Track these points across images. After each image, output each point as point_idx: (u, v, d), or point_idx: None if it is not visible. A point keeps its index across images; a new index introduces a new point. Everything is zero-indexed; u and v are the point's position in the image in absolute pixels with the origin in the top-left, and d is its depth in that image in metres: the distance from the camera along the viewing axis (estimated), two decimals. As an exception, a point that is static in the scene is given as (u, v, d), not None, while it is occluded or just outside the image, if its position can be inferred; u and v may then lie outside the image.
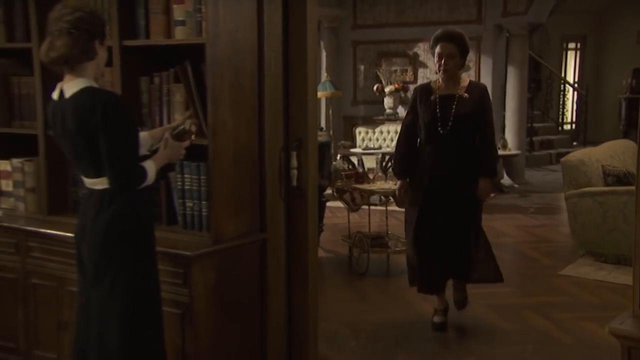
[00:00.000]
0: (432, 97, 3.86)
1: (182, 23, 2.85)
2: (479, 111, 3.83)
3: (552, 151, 11.43)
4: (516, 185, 9.24)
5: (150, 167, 2.51)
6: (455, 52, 3.84)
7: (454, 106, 3.81)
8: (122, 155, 2.40)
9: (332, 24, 9.53)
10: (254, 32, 2.92)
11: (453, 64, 3.83)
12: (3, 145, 3.50)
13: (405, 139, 4.03)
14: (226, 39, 2.79)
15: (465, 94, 3.85)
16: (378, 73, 9.71)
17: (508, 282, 5.24)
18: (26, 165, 3.38)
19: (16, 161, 3.42)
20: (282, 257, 3.15)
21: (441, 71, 3.83)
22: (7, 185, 3.48)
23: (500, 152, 8.80)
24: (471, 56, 9.18)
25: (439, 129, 3.80)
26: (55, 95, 2.53)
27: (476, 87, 3.97)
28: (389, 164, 8.01)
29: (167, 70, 2.95)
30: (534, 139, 11.32)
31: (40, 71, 3.21)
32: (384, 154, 7.98)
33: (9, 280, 3.28)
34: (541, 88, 12.81)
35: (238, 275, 2.95)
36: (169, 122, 2.94)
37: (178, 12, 2.85)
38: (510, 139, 9.17)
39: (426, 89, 3.97)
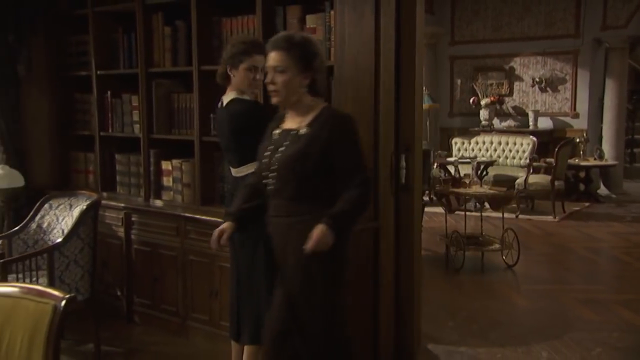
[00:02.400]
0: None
1: (314, 49, 3.52)
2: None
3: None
4: (613, 196, 9.32)
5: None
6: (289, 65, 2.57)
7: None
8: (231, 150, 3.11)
9: (430, 40, 10.06)
10: (372, 55, 3.54)
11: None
12: (165, 149, 4.32)
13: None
14: (350, 62, 3.42)
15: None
16: (474, 86, 10.13)
17: (600, 281, 5.61)
18: (184, 165, 4.18)
19: (176, 161, 4.22)
20: (391, 243, 3.73)
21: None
22: (168, 181, 4.29)
23: (597, 162, 8.98)
24: (567, 69, 9.44)
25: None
26: (220, 104, 3.27)
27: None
28: (484, 172, 8.42)
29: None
30: (635, 150, 11.23)
31: (199, 89, 3.99)
32: (479, 163, 8.39)
33: (172, 257, 4.07)
34: (644, 100, 12.64)
35: (355, 257, 3.54)
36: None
37: (310, 41, 3.53)
38: (607, 150, 9.29)
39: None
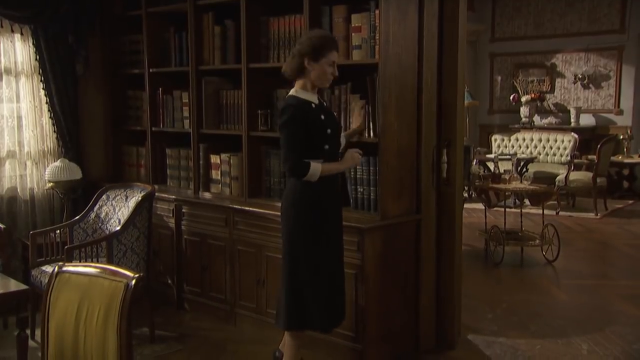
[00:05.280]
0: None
1: (359, 47, 3.64)
2: None
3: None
4: (658, 193, 9.18)
5: (316, 168, 3.07)
6: None
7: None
8: (286, 149, 3.08)
9: (470, 37, 10.05)
10: (415, 54, 3.65)
11: None
12: (214, 143, 4.51)
13: None
14: (394, 60, 3.53)
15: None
16: (515, 83, 10.09)
17: (640, 277, 5.57)
18: (232, 159, 4.36)
19: (224, 155, 4.41)
20: (432, 235, 3.83)
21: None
22: (216, 174, 4.48)
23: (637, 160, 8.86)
24: (611, 65, 9.33)
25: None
26: None
27: None
28: (524, 169, 8.41)
29: (345, 83, 3.75)
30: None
31: (247, 86, 4.16)
32: (518, 159, 8.38)
33: (220, 247, 4.25)
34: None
35: (398, 247, 3.68)
36: (346, 125, 3.74)
37: (356, 39, 3.65)
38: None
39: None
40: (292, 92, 3.20)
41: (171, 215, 4.56)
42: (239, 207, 4.15)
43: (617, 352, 3.80)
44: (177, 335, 4.09)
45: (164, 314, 4.36)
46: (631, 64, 9.25)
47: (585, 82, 9.62)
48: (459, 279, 3.93)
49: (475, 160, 8.63)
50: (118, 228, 3.86)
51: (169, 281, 4.61)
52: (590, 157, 8.58)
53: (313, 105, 3.15)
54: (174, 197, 4.56)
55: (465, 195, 6.93)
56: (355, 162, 3.36)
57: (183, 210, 4.51)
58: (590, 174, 8.19)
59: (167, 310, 4.46)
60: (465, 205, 6.88)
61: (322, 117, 3.17)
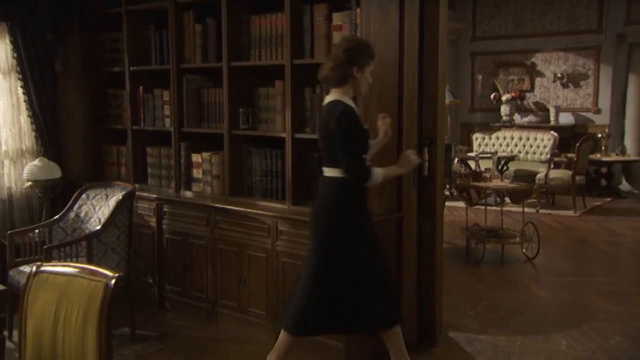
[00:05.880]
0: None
1: (340, 46, 3.64)
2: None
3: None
4: (635, 191, 9.32)
5: (378, 173, 3.07)
6: None
7: None
8: (349, 155, 3.01)
9: (452, 36, 10.11)
10: (396, 52, 3.66)
11: None
12: (195, 142, 4.49)
13: None
14: (375, 59, 3.54)
15: None
16: (495, 82, 10.17)
17: (620, 273, 5.69)
18: (213, 158, 4.34)
19: (205, 154, 4.39)
20: (414, 233, 3.85)
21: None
22: (198, 173, 4.46)
23: (619, 158, 9.00)
24: (589, 65, 9.45)
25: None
26: (324, 102, 3.26)
27: None
28: (505, 167, 8.48)
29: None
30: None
31: (228, 84, 4.15)
32: (499, 158, 8.45)
33: (201, 246, 4.24)
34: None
35: (378, 244, 3.69)
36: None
37: (337, 37, 3.63)
38: (629, 146, 9.30)
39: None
40: (336, 97, 3.09)
41: (152, 214, 4.53)
42: (221, 205, 4.14)
43: (595, 347, 3.86)
44: (158, 335, 4.07)
45: (145, 313, 4.33)
46: (608, 63, 9.38)
47: (564, 81, 9.73)
48: (441, 276, 3.95)
49: (456, 159, 8.68)
50: (98, 227, 3.83)
51: (150, 280, 4.59)
52: (569, 155, 8.68)
53: (357, 113, 3.14)
54: (155, 196, 4.53)
55: (447, 193, 6.98)
56: (413, 164, 3.31)
57: (164, 209, 4.48)
58: (569, 172, 8.29)
59: (148, 310, 4.44)
60: (447, 204, 6.90)
61: (365, 126, 3.17)
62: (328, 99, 3.15)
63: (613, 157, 9.07)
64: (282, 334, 3.20)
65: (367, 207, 3.20)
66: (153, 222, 4.52)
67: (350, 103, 3.11)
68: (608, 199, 8.96)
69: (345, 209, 3.11)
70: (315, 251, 3.15)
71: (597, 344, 3.90)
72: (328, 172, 3.15)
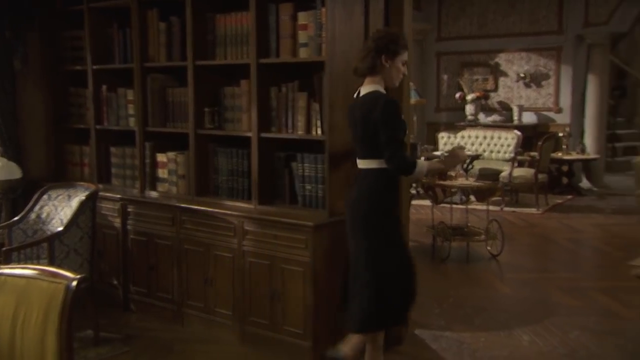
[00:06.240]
0: None
1: (306, 45, 3.64)
2: None
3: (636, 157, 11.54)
4: (595, 189, 9.55)
5: (422, 165, 3.09)
6: None
7: None
8: (394, 144, 3.00)
9: (417, 36, 10.20)
10: (362, 51, 3.68)
11: None
12: (160, 142, 4.44)
13: None
14: (340, 58, 3.55)
15: None
16: (460, 82, 10.31)
17: (580, 269, 5.83)
18: (178, 157, 4.30)
19: (171, 154, 4.35)
20: (380, 231, 3.87)
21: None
22: (163, 173, 4.41)
23: (579, 156, 9.21)
24: (551, 65, 9.65)
25: None
26: (355, 95, 3.24)
27: None
28: (470, 166, 8.59)
29: (292, 81, 3.75)
30: (617, 145, 11.48)
31: (193, 83, 4.11)
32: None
33: (167, 246, 4.19)
34: (626, 95, 12.88)
35: (346, 243, 3.70)
36: (293, 123, 3.73)
37: (302, 36, 3.65)
38: (589, 144, 9.52)
39: None
40: (374, 88, 3.10)
41: (116, 214, 4.47)
42: (187, 205, 4.10)
43: (556, 342, 3.94)
44: (123, 337, 4.01)
45: (109, 315, 4.27)
46: (569, 64, 9.59)
47: (527, 81, 9.91)
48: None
49: (422, 158, 8.77)
50: (60, 229, 3.75)
51: (115, 282, 4.52)
52: (532, 154, 8.85)
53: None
54: (119, 196, 4.47)
55: (413, 192, 7.04)
56: (461, 159, 3.28)
57: (129, 209, 4.42)
58: (532, 171, 8.45)
59: (113, 312, 4.37)
60: (413, 202, 6.98)
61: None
62: (364, 89, 3.14)
63: (574, 156, 9.27)
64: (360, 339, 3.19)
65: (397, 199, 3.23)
66: (117, 222, 4.46)
67: (388, 95, 3.12)
68: (569, 197, 9.17)
69: (384, 200, 3.11)
70: (369, 250, 3.11)
71: (558, 338, 3.99)
72: (366, 164, 3.14)
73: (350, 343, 3.27)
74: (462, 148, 3.32)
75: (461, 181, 6.08)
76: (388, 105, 3.03)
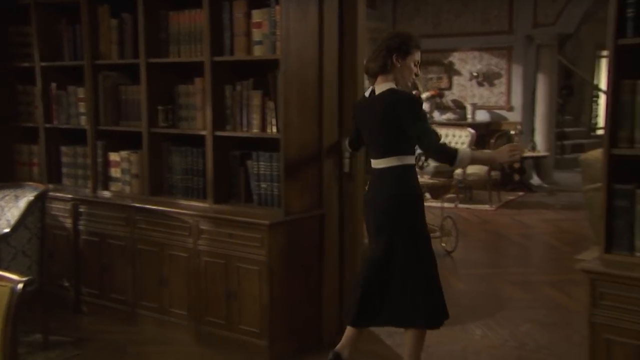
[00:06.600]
0: None
1: (260, 43, 3.63)
2: None
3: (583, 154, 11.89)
4: (545, 185, 9.82)
5: (465, 152, 3.03)
6: None
7: None
8: (430, 136, 3.03)
9: (373, 35, 10.26)
10: (316, 50, 3.69)
11: None
12: (113, 141, 4.36)
13: None
14: (295, 56, 3.56)
15: None
16: (415, 80, 10.43)
17: (531, 264, 5.98)
18: (132, 156, 4.23)
19: (124, 153, 4.27)
20: (335, 229, 3.89)
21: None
22: (116, 172, 4.34)
23: (530, 154, 9.45)
24: (502, 64, 9.86)
25: None
26: (367, 93, 3.24)
27: None
28: (424, 163, 8.70)
29: (247, 79, 3.74)
30: (565, 142, 11.82)
31: (146, 81, 4.05)
32: (419, 154, 8.64)
33: (120, 246, 4.12)
34: (574, 94, 13.28)
35: (302, 242, 3.72)
36: (248, 121, 3.71)
37: (257, 34, 3.64)
38: (539, 142, 9.78)
39: None
40: (389, 86, 3.12)
41: (68, 215, 4.37)
42: (140, 205, 4.05)
43: (506, 335, 4.04)
44: (74, 340, 3.92)
45: (60, 318, 4.17)
46: (519, 63, 9.83)
47: (479, 79, 10.11)
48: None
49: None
50: (7, 230, 3.64)
51: (66, 284, 4.42)
52: (485, 151, 9.02)
53: None
54: (70, 196, 4.37)
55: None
56: (510, 159, 3.19)
57: (80, 209, 4.33)
58: (485, 168, 8.63)
59: (64, 315, 4.27)
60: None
61: None
62: (379, 88, 3.14)
63: (525, 153, 9.51)
64: (412, 332, 3.18)
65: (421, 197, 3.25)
66: (69, 223, 4.36)
67: (406, 91, 3.16)
68: (521, 193, 9.40)
69: (415, 195, 3.13)
70: (415, 246, 3.11)
71: (509, 331, 4.10)
72: (386, 162, 3.11)
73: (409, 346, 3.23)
74: (515, 145, 3.23)
75: (416, 178, 6.15)
76: (412, 100, 3.10)
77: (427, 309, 3.13)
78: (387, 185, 3.13)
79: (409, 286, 3.12)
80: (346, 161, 3.87)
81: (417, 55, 3.20)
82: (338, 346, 3.26)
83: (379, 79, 3.16)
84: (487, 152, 3.30)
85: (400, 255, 3.11)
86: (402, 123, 3.03)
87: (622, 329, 2.44)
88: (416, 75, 3.25)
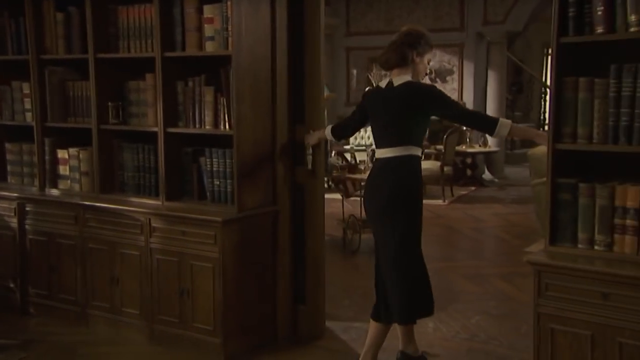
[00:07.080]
0: None
1: (212, 38, 3.59)
2: None
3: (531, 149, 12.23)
4: (496, 180, 10.06)
5: (504, 122, 3.04)
6: None
7: None
8: (464, 110, 3.27)
9: (327, 31, 10.26)
10: (268, 46, 3.67)
11: None
12: (60, 138, 4.25)
13: None
14: (247, 51, 3.54)
15: None
16: (369, 76, 10.52)
17: (482, 257, 6.12)
18: (81, 153, 4.14)
19: (73, 150, 4.17)
20: (288, 225, 3.87)
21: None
22: (65, 170, 4.23)
23: (481, 149, 9.66)
24: (454, 61, 10.03)
25: None
26: (383, 84, 3.29)
27: None
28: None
29: (199, 75, 3.70)
30: (515, 138, 12.11)
31: (95, 77, 3.96)
32: (374, 150, 8.74)
33: (70, 245, 4.03)
34: (523, 91, 13.64)
35: (256, 238, 3.71)
36: (200, 118, 3.68)
37: (208, 30, 3.59)
38: (490, 138, 9.98)
39: None
40: (408, 78, 3.21)
41: (13, 214, 4.24)
42: (90, 203, 3.96)
43: (458, 327, 4.13)
44: (20, 343, 3.81)
45: (5, 320, 4.06)
46: (470, 60, 10.03)
47: (432, 76, 10.26)
48: (323, 268, 4.00)
49: (332, 152, 8.89)
50: (-51, 231, 3.52)
51: (12, 285, 4.29)
52: (438, 147, 9.18)
53: None
54: (16, 195, 4.24)
55: (325, 185, 7.14)
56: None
57: (27, 208, 4.21)
58: (438, 163, 8.77)
59: (9, 317, 4.15)
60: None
61: None
62: (398, 80, 3.20)
63: (476, 149, 9.71)
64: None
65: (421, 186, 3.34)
66: (14, 222, 4.23)
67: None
68: (472, 188, 9.60)
69: (417, 185, 3.25)
70: (407, 235, 3.22)
71: (460, 323, 4.18)
72: (394, 152, 3.18)
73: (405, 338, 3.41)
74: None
75: (370, 174, 6.21)
76: (434, 88, 3.28)
77: (402, 304, 3.26)
78: (398, 173, 3.20)
79: (395, 281, 3.27)
80: (309, 157, 3.84)
81: (431, 54, 3.35)
82: (400, 346, 3.44)
83: (395, 71, 3.26)
84: (528, 128, 3.48)
85: (396, 244, 3.22)
86: (429, 111, 3.19)
87: (565, 318, 2.52)
88: (426, 73, 3.39)
